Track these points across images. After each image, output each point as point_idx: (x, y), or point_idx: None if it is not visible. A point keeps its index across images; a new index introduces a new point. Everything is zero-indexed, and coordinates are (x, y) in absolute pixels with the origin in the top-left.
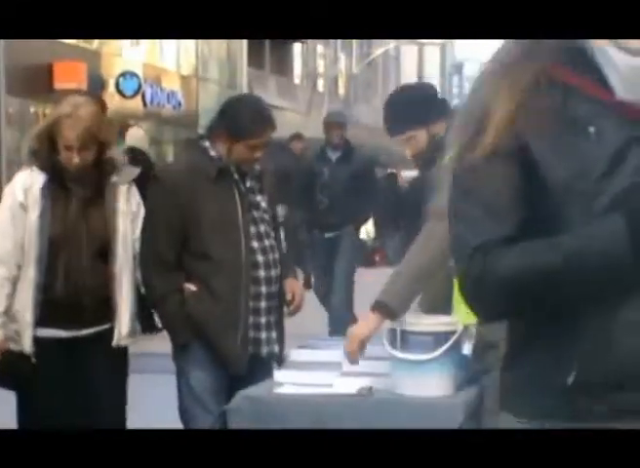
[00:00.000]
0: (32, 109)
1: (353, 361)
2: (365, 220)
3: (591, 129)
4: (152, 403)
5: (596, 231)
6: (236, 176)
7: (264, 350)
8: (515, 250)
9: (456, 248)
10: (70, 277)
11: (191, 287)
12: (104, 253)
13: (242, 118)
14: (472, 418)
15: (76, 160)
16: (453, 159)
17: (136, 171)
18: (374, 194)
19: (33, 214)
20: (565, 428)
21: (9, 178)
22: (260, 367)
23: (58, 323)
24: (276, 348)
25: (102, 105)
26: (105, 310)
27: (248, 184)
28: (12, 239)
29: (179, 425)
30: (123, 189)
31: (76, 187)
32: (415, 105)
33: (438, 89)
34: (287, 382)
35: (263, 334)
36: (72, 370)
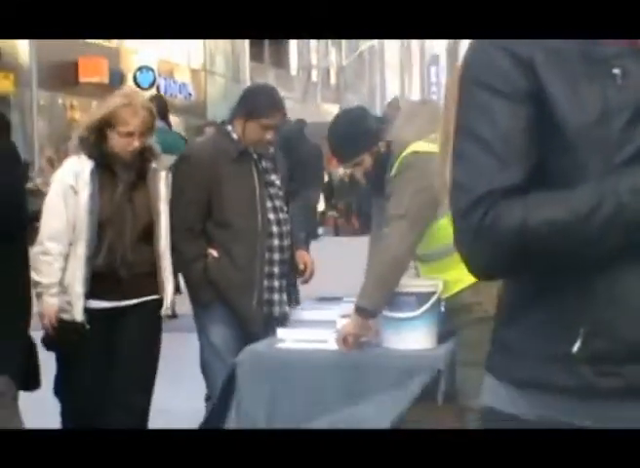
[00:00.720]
0: (60, 101)
1: (347, 351)
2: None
3: (616, 71)
4: (177, 361)
5: (617, 186)
6: (255, 157)
7: (277, 310)
8: (525, 201)
9: (456, 194)
10: (115, 253)
11: (213, 252)
12: (148, 233)
13: (255, 100)
14: (450, 368)
15: (136, 144)
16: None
17: (171, 158)
18: None
19: (83, 197)
20: (564, 409)
21: (48, 158)
22: (272, 326)
23: (102, 294)
24: (287, 309)
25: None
26: (145, 284)
27: (264, 164)
28: (64, 219)
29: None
30: (162, 175)
31: (122, 172)
32: (355, 136)
33: (397, 89)
34: (288, 338)
35: (276, 296)
36: (113, 336)
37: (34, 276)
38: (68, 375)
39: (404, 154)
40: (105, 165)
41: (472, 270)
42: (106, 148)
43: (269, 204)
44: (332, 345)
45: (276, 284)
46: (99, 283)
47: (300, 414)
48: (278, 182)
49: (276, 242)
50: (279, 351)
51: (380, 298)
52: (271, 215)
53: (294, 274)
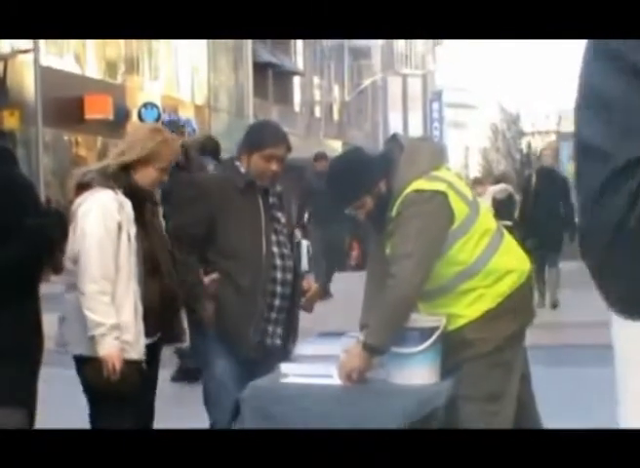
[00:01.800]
0: (65, 138)
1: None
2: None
3: None
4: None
5: None
6: (262, 191)
7: (268, 341)
8: None
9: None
10: (156, 287)
11: (214, 276)
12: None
13: (259, 132)
14: (451, 403)
15: (165, 178)
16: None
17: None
18: None
19: (131, 233)
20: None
21: (46, 198)
22: (271, 356)
23: (146, 330)
24: (278, 342)
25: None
26: (164, 316)
27: (270, 200)
28: (113, 257)
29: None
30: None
31: (148, 206)
32: (353, 180)
33: (399, 124)
34: (291, 373)
35: (270, 328)
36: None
37: (94, 317)
38: (116, 414)
39: (405, 192)
40: (136, 199)
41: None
42: (134, 182)
43: (274, 238)
44: (336, 380)
45: (273, 316)
46: (146, 319)
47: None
48: (283, 220)
49: (279, 275)
50: (282, 386)
51: (388, 336)
52: (275, 249)
53: (297, 308)
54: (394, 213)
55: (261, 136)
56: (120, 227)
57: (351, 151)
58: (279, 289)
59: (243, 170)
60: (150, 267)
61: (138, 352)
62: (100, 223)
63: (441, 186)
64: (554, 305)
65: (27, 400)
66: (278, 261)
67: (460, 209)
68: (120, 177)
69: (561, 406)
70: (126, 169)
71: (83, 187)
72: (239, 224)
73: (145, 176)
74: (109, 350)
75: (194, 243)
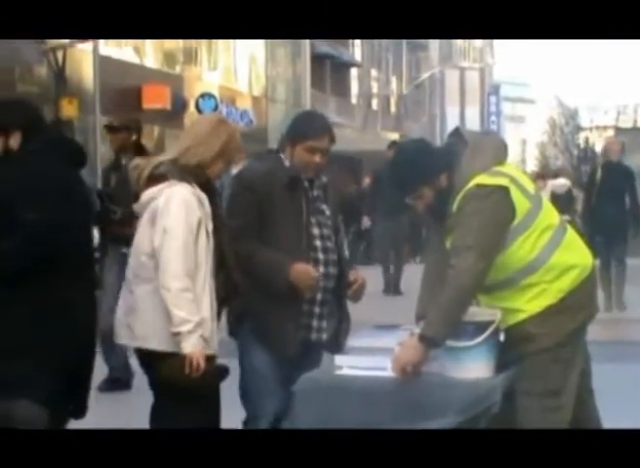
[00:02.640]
0: None
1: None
2: None
3: None
4: None
5: None
6: (305, 184)
7: (314, 336)
8: None
9: None
10: (228, 283)
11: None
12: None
13: (302, 124)
14: (507, 398)
15: (225, 168)
16: None
17: None
18: None
19: (208, 228)
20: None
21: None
22: (312, 352)
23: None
24: (324, 336)
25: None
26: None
27: (314, 193)
28: (194, 254)
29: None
30: None
31: (217, 198)
32: (415, 169)
33: (456, 118)
34: (345, 366)
35: (315, 322)
36: None
37: (180, 314)
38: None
39: (467, 187)
40: (206, 192)
41: None
42: (208, 176)
43: (316, 231)
44: (391, 373)
45: (317, 310)
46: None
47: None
48: (327, 212)
49: (321, 269)
50: (337, 378)
51: (445, 329)
52: (317, 243)
53: (345, 301)
54: (455, 207)
55: (304, 129)
56: (200, 223)
57: (416, 141)
58: (322, 282)
59: (287, 163)
60: (218, 261)
61: (213, 347)
62: (184, 220)
63: (503, 181)
64: (621, 309)
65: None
66: (321, 255)
67: (521, 204)
68: (197, 172)
69: (620, 403)
70: (202, 164)
71: (153, 179)
72: (281, 218)
73: (215, 170)
74: (195, 347)
75: (248, 234)
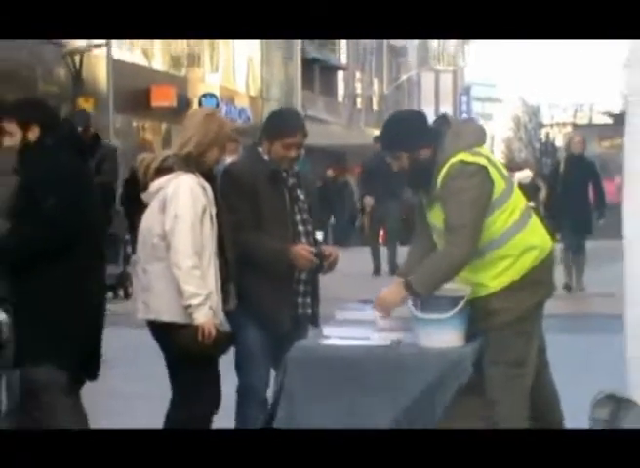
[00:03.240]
0: (134, 123)
1: (383, 318)
2: None
3: None
4: None
5: None
6: (284, 175)
7: (300, 311)
8: None
9: None
10: (226, 263)
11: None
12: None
13: (275, 122)
14: (476, 366)
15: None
16: None
17: None
18: None
19: (212, 213)
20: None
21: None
22: (299, 326)
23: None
24: (309, 311)
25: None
26: (225, 288)
27: (291, 182)
28: (200, 236)
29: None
30: None
31: (211, 185)
32: (401, 135)
33: (432, 116)
34: (333, 336)
35: (300, 299)
36: None
37: (190, 288)
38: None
39: (452, 161)
40: (207, 181)
41: None
42: (208, 165)
43: (298, 217)
44: (374, 342)
45: (301, 288)
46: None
47: (345, 404)
48: (303, 197)
49: None
50: (325, 347)
51: (430, 289)
52: (300, 228)
53: (317, 277)
54: (440, 182)
55: (280, 127)
56: (204, 209)
57: (412, 112)
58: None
59: (266, 157)
60: (218, 243)
61: (219, 318)
62: (191, 206)
63: (483, 160)
64: (580, 289)
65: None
66: (304, 239)
67: (498, 183)
68: (199, 162)
69: (574, 372)
70: (200, 153)
71: (160, 171)
72: (268, 208)
73: (211, 158)
74: (206, 317)
75: (246, 225)
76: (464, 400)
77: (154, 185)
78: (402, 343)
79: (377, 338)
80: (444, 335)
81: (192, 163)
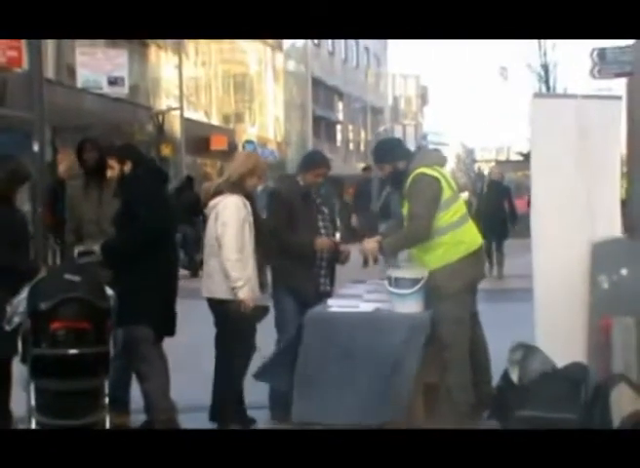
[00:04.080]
0: (198, 161)
1: (369, 292)
2: None
3: None
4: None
5: None
6: (313, 196)
7: (322, 288)
8: None
9: None
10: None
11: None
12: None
13: (309, 159)
14: (433, 324)
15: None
16: None
17: None
18: None
19: (250, 222)
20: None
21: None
22: (318, 299)
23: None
24: (328, 288)
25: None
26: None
27: (318, 201)
28: (242, 238)
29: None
30: None
31: (254, 203)
32: (383, 152)
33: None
34: (334, 305)
35: (322, 279)
36: None
37: (235, 275)
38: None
39: (416, 172)
40: (247, 199)
41: None
42: (248, 188)
43: (321, 224)
44: (361, 309)
45: (323, 271)
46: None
47: (343, 349)
48: (326, 210)
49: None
50: (330, 313)
51: (392, 251)
52: (322, 231)
53: (334, 265)
54: (407, 186)
55: (312, 163)
56: (244, 219)
57: (394, 139)
58: (325, 254)
59: (301, 183)
60: (255, 244)
61: (256, 295)
62: (236, 217)
63: (437, 174)
64: (500, 277)
65: (147, 319)
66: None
67: (446, 191)
68: (242, 187)
69: (497, 328)
70: (242, 180)
71: (216, 193)
72: (302, 219)
73: (250, 184)
74: (247, 294)
75: (283, 228)
76: (428, 348)
77: (212, 203)
78: (381, 310)
79: (364, 306)
80: (410, 304)
81: (237, 187)
